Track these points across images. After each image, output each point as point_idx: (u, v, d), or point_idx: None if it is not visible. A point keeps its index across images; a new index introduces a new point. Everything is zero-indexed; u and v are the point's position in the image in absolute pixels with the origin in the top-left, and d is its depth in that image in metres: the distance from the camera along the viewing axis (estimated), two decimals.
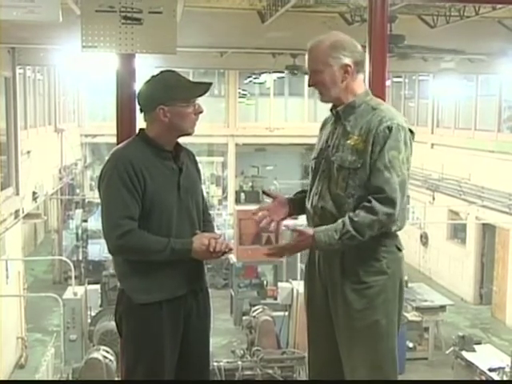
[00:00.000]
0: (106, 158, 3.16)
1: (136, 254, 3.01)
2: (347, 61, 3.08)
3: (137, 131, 3.29)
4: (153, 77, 3.12)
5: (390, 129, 2.99)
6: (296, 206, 3.34)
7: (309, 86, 3.18)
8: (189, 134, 3.14)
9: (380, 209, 2.92)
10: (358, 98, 3.13)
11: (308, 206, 3.23)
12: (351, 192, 3.04)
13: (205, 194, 3.46)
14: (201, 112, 3.12)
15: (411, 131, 3.09)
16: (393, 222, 3.00)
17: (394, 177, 2.96)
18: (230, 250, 3.12)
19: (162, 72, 3.14)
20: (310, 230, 3.00)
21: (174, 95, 3.04)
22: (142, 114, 3.15)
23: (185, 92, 3.06)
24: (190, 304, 3.15)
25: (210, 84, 3.16)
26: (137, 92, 3.23)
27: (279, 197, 3.36)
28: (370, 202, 2.95)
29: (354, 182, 3.03)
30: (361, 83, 3.17)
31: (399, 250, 3.15)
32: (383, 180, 2.96)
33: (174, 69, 3.26)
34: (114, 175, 3.00)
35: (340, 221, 2.96)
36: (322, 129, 3.33)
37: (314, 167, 3.23)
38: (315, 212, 3.16)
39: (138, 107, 3.22)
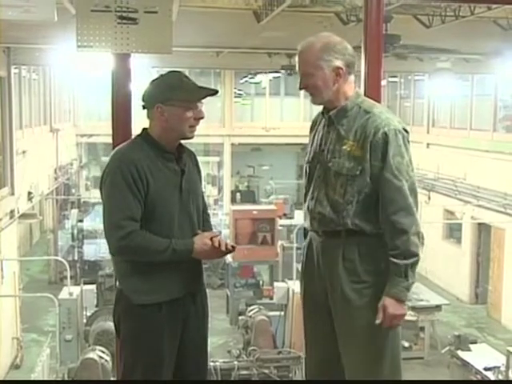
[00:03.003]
0: (102, 157, 3.17)
1: (137, 255, 3.00)
2: (339, 63, 3.06)
3: (133, 131, 3.28)
4: (160, 76, 3.14)
5: (387, 135, 3.00)
6: None
7: (300, 88, 3.17)
8: (188, 138, 3.12)
9: (403, 224, 2.96)
10: (349, 100, 3.12)
11: (305, 209, 3.25)
12: (350, 198, 3.06)
13: (205, 195, 3.45)
14: (201, 118, 3.09)
15: (406, 130, 3.09)
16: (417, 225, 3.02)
17: (404, 183, 2.99)
18: (234, 248, 3.10)
19: (169, 72, 3.14)
20: (387, 301, 3.00)
21: (172, 95, 3.03)
22: (146, 111, 3.15)
23: (184, 94, 3.04)
24: (188, 306, 3.15)
25: (214, 90, 3.14)
26: (137, 92, 3.24)
27: None
28: (390, 226, 2.98)
29: (352, 189, 3.05)
30: (352, 85, 3.15)
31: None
32: (394, 189, 2.98)
33: (169, 69, 3.26)
34: (118, 176, 2.98)
35: (391, 269, 2.99)
36: (312, 130, 3.32)
37: (308, 171, 3.24)
38: (313, 217, 3.18)
39: (136, 106, 3.22)
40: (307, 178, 3.24)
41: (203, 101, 3.11)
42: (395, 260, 2.97)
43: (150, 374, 3.05)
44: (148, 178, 2.99)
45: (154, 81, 3.12)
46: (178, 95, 3.03)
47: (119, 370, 3.17)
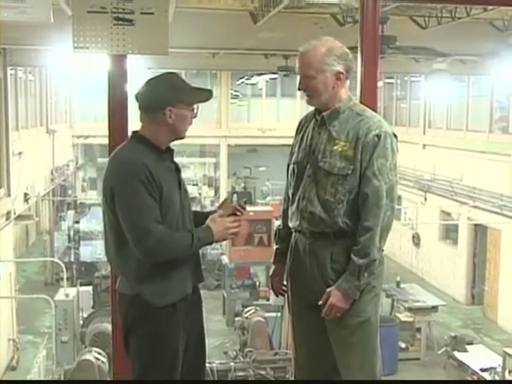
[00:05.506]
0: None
1: (168, 255, 3.00)
2: (340, 68, 3.14)
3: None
4: (155, 78, 3.09)
5: (378, 137, 3.08)
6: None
7: (299, 89, 3.21)
8: (182, 138, 3.14)
9: (369, 222, 3.04)
10: (342, 103, 3.18)
11: (294, 209, 3.27)
12: (341, 198, 3.11)
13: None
14: (196, 116, 3.12)
15: (395, 135, 3.18)
16: (389, 221, 3.09)
17: (382, 184, 3.06)
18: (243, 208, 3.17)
19: (165, 74, 3.12)
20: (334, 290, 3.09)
21: (181, 97, 3.03)
22: (142, 114, 3.08)
23: (190, 96, 3.07)
24: (196, 300, 3.20)
25: (211, 92, 3.16)
26: (133, 93, 3.14)
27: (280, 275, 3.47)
28: (360, 222, 3.05)
29: (343, 188, 3.11)
30: (347, 89, 3.23)
31: (382, 251, 3.23)
32: (371, 188, 3.06)
33: (165, 70, 3.25)
34: (136, 182, 2.92)
35: (349, 265, 3.06)
36: (299, 131, 3.35)
37: (296, 171, 3.28)
38: (303, 216, 3.21)
39: (133, 107, 3.19)
40: (295, 178, 3.28)
41: None
42: (353, 257, 3.05)
43: (167, 374, 3.07)
44: (160, 180, 2.97)
45: (150, 84, 3.07)
46: (185, 97, 3.04)
47: (133, 373, 3.14)
